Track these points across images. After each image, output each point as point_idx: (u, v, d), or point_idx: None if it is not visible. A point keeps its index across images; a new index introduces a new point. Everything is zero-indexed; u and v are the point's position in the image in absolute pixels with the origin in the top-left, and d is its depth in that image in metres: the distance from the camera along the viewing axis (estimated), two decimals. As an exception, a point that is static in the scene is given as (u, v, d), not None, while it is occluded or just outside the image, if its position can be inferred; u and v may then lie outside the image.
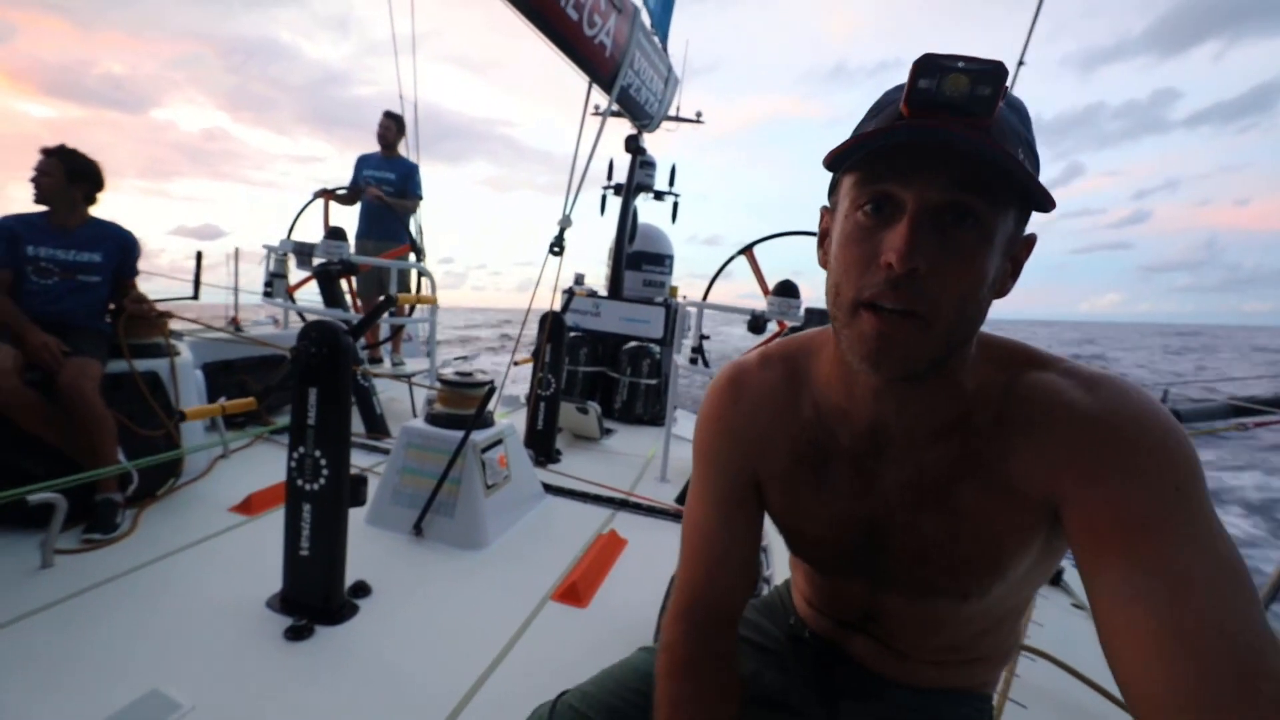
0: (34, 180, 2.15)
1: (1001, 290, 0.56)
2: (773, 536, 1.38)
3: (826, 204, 0.63)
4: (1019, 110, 0.53)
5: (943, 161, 0.49)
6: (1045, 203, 0.51)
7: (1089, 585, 0.53)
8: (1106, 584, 0.50)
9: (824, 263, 0.62)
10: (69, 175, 2.18)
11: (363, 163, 4.32)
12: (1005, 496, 0.59)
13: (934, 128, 0.48)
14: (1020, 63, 2.90)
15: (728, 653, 0.75)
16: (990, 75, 0.47)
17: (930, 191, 0.50)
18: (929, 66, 0.48)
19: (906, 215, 0.51)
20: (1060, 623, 0.53)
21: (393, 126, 4.27)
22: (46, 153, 2.18)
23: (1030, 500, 0.58)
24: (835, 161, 0.55)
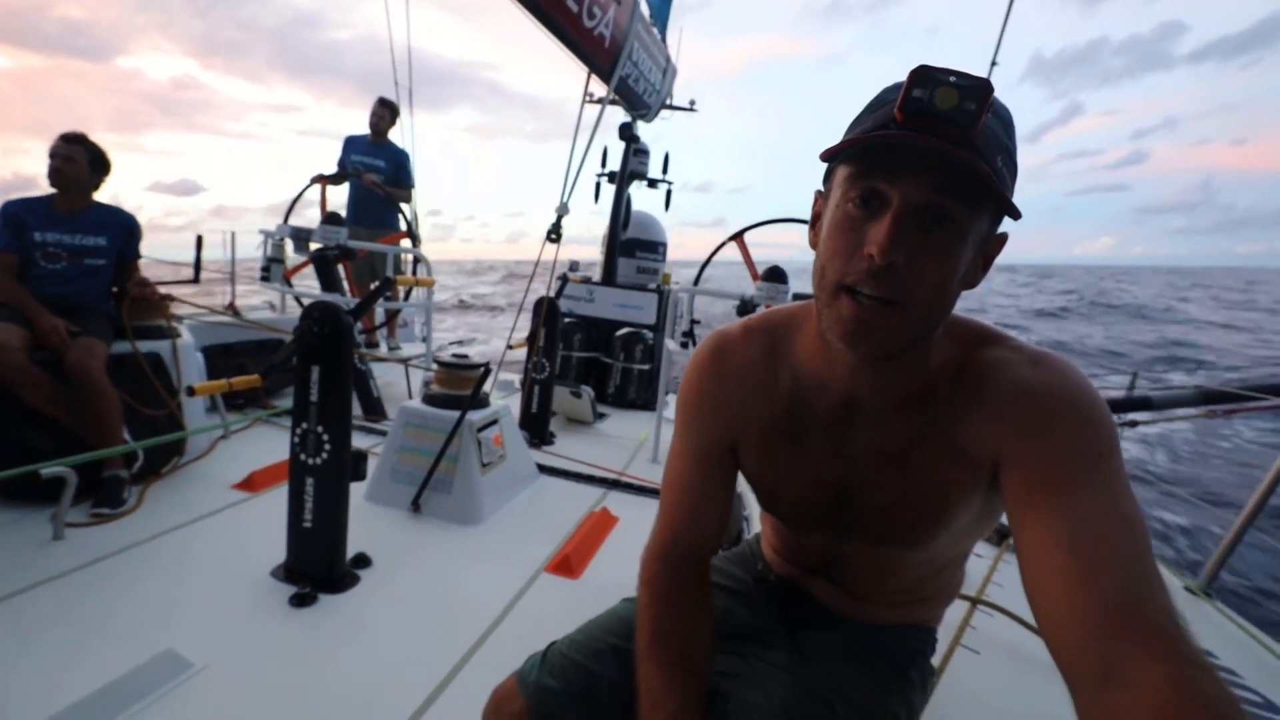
0: (58, 168, 2.19)
1: (971, 282, 0.63)
2: (753, 505, 1.47)
3: (821, 189, 0.69)
4: (1003, 119, 0.59)
5: (927, 166, 0.55)
6: (1011, 211, 0.58)
7: (1016, 529, 0.61)
8: (1031, 528, 0.59)
9: (814, 244, 0.68)
10: (92, 164, 2.24)
11: (350, 145, 4.28)
12: (955, 458, 0.67)
13: (923, 138, 0.54)
14: (993, 63, 2.99)
15: (703, 589, 0.82)
16: (977, 91, 0.53)
17: (914, 192, 0.56)
18: (923, 78, 0.54)
19: (890, 212, 0.56)
20: (1017, 582, 0.60)
21: (386, 115, 4.26)
22: (69, 140, 2.21)
23: (976, 460, 0.66)
24: (831, 156, 0.62)
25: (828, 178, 0.67)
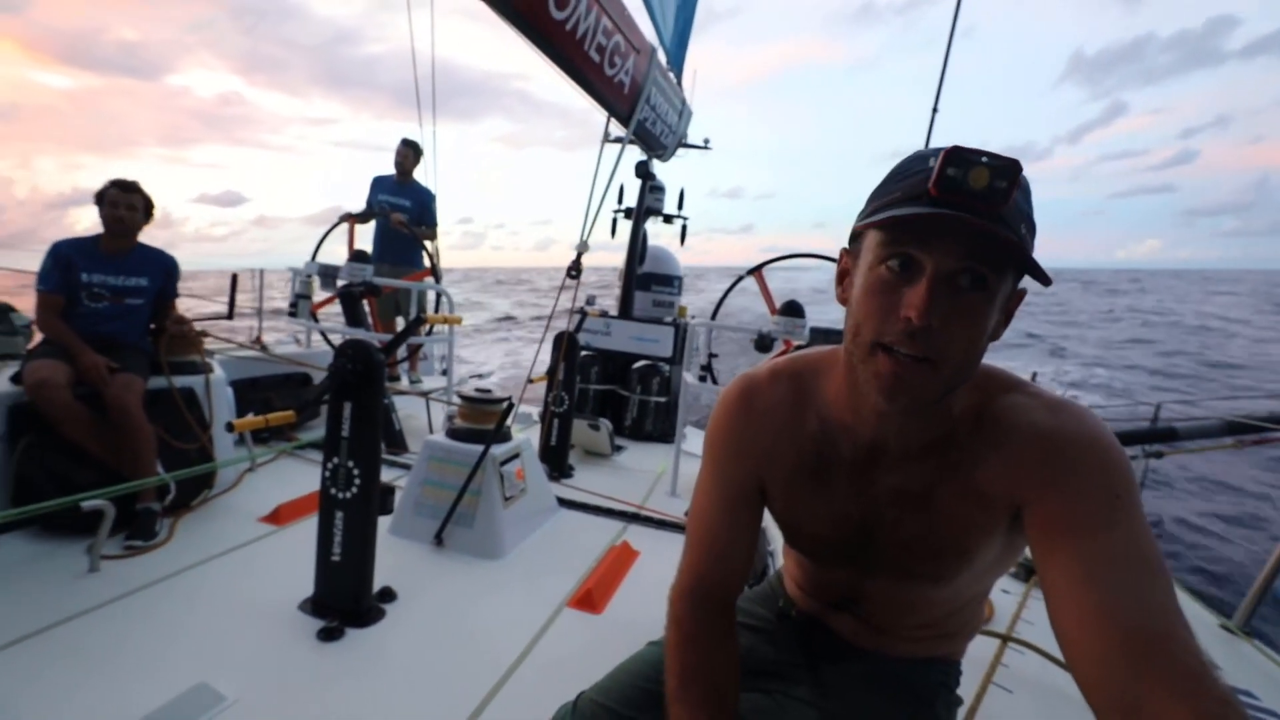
0: (120, 217, 2.30)
1: (995, 336, 0.66)
2: (777, 540, 1.47)
3: (847, 247, 0.73)
4: (1025, 190, 0.62)
5: (961, 236, 0.59)
6: (1043, 279, 0.61)
7: (1040, 570, 0.64)
8: (1054, 568, 0.62)
9: (842, 299, 0.72)
10: (145, 211, 2.38)
11: (378, 185, 4.44)
12: (976, 499, 0.70)
13: (959, 215, 0.58)
14: (934, 109, 3.11)
15: (729, 628, 0.85)
16: (1007, 171, 0.57)
17: (948, 260, 0.60)
18: (957, 159, 0.58)
19: (925, 277, 0.60)
20: (1047, 621, 0.62)
21: (410, 155, 4.41)
22: (126, 188, 2.33)
23: (996, 502, 0.69)
24: (868, 224, 0.66)
25: (856, 239, 0.71)
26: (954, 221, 0.59)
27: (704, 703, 0.75)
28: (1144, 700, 0.51)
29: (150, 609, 1.72)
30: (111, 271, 2.33)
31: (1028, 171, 0.59)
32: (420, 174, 4.56)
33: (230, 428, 1.57)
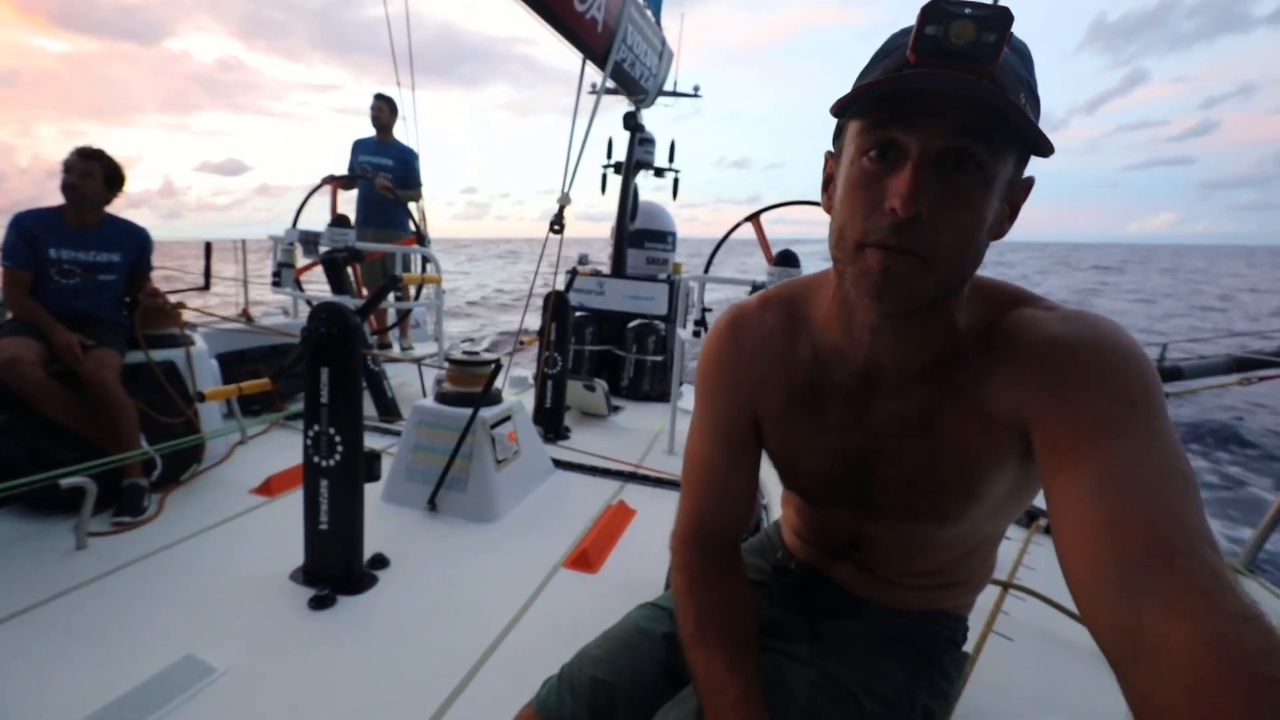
0: (72, 184, 2.16)
1: (999, 232, 0.59)
2: (767, 471, 1.43)
3: (831, 149, 0.65)
4: (1022, 54, 0.54)
5: (946, 108, 0.51)
6: (1043, 147, 0.52)
7: (1048, 495, 0.55)
8: (1059, 489, 0.53)
9: (829, 208, 0.63)
10: (107, 180, 2.23)
11: (358, 148, 4.30)
12: (981, 422, 0.63)
13: (937, 76, 0.49)
14: None
15: (737, 567, 0.80)
16: (996, 21, 0.48)
17: (933, 138, 0.52)
18: (936, 13, 0.49)
19: (910, 161, 0.52)
20: (1051, 565, 0.57)
21: (384, 108, 4.25)
22: (85, 155, 2.19)
23: (1003, 423, 0.62)
24: (842, 109, 0.56)
25: (838, 135, 0.62)
26: (935, 90, 0.50)
27: (723, 643, 0.71)
28: (1144, 624, 0.43)
29: (139, 584, 1.70)
30: (81, 247, 2.24)
31: None
32: (401, 133, 4.40)
33: (201, 397, 1.52)
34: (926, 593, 0.81)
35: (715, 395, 0.79)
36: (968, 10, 0.49)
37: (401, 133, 4.41)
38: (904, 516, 0.72)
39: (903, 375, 0.67)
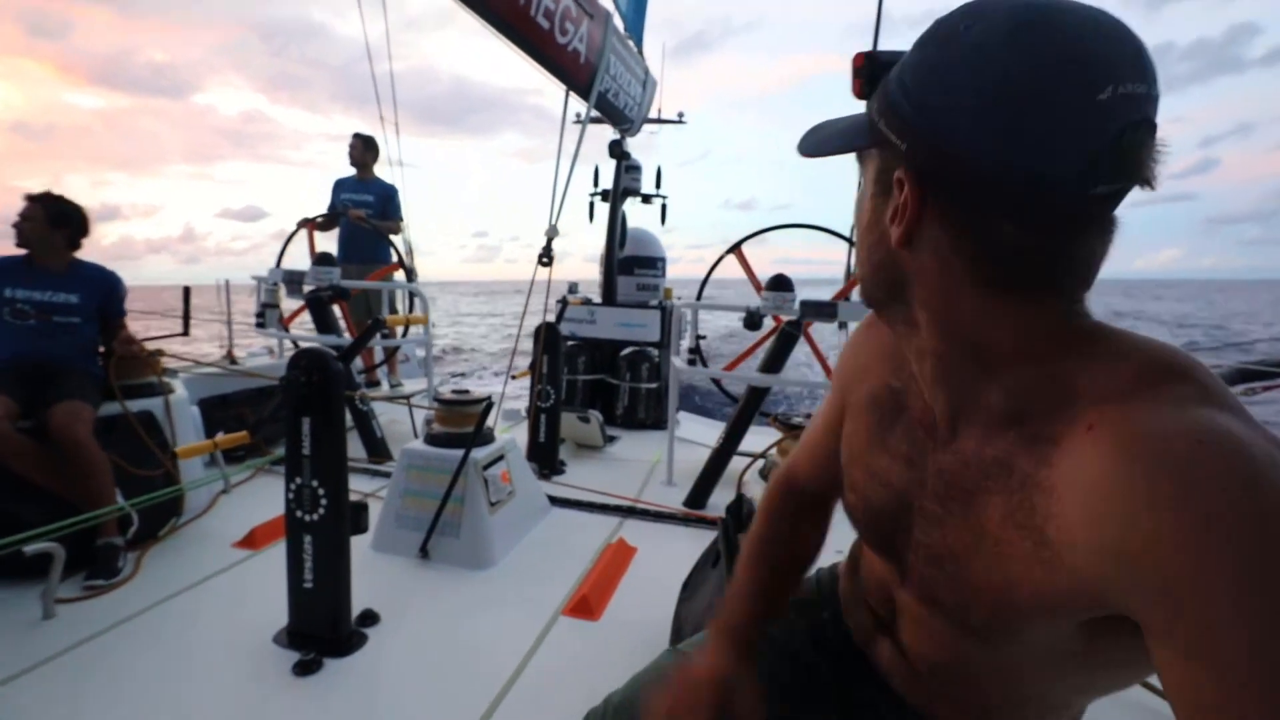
0: (15, 225, 2.15)
1: (889, 237, 0.54)
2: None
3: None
4: (904, 67, 0.52)
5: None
6: (870, 138, 0.54)
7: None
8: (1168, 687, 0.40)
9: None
10: (50, 220, 2.18)
11: (339, 186, 4.35)
12: (1033, 543, 0.48)
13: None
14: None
15: (804, 514, 0.85)
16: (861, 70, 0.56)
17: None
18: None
19: None
20: None
21: (359, 146, 4.29)
22: (30, 199, 2.18)
23: (1066, 573, 0.46)
24: None
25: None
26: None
27: (752, 562, 0.81)
28: None
29: (113, 654, 1.59)
30: (37, 287, 2.18)
31: None
32: (396, 176, 4.43)
33: (175, 456, 1.44)
34: (959, 714, 0.67)
35: (837, 371, 0.81)
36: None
37: (397, 176, 4.45)
38: (928, 599, 0.61)
39: (954, 428, 0.57)
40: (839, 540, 0.89)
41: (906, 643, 0.68)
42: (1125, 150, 0.43)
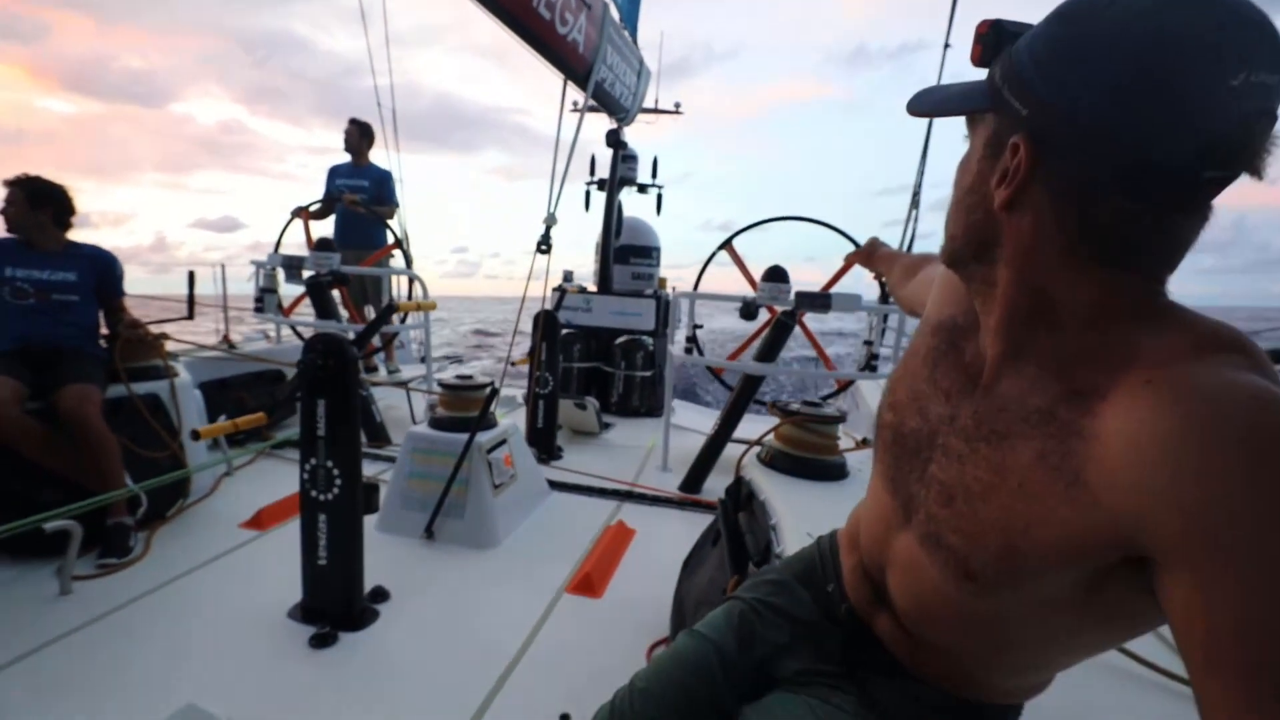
0: (1, 211, 2.18)
1: (991, 198, 0.57)
2: (781, 514, 1.43)
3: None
4: (1034, 38, 0.54)
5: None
6: (987, 101, 0.57)
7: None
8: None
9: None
10: (30, 200, 2.19)
11: (334, 173, 4.34)
12: (1065, 483, 0.49)
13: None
14: (946, 45, 3.02)
15: (905, 278, 1.04)
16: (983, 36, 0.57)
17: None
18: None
19: None
20: None
21: (355, 132, 4.28)
22: (7, 184, 2.20)
23: (1096, 512, 0.47)
24: None
25: None
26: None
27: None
28: None
29: (130, 629, 1.64)
30: (36, 266, 2.20)
31: None
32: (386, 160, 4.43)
33: (196, 436, 1.48)
34: (954, 674, 0.69)
35: (942, 276, 0.78)
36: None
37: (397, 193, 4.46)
38: (931, 540, 0.62)
39: (999, 376, 0.59)
40: (832, 522, 0.94)
41: (896, 597, 0.71)
42: (1245, 138, 0.44)
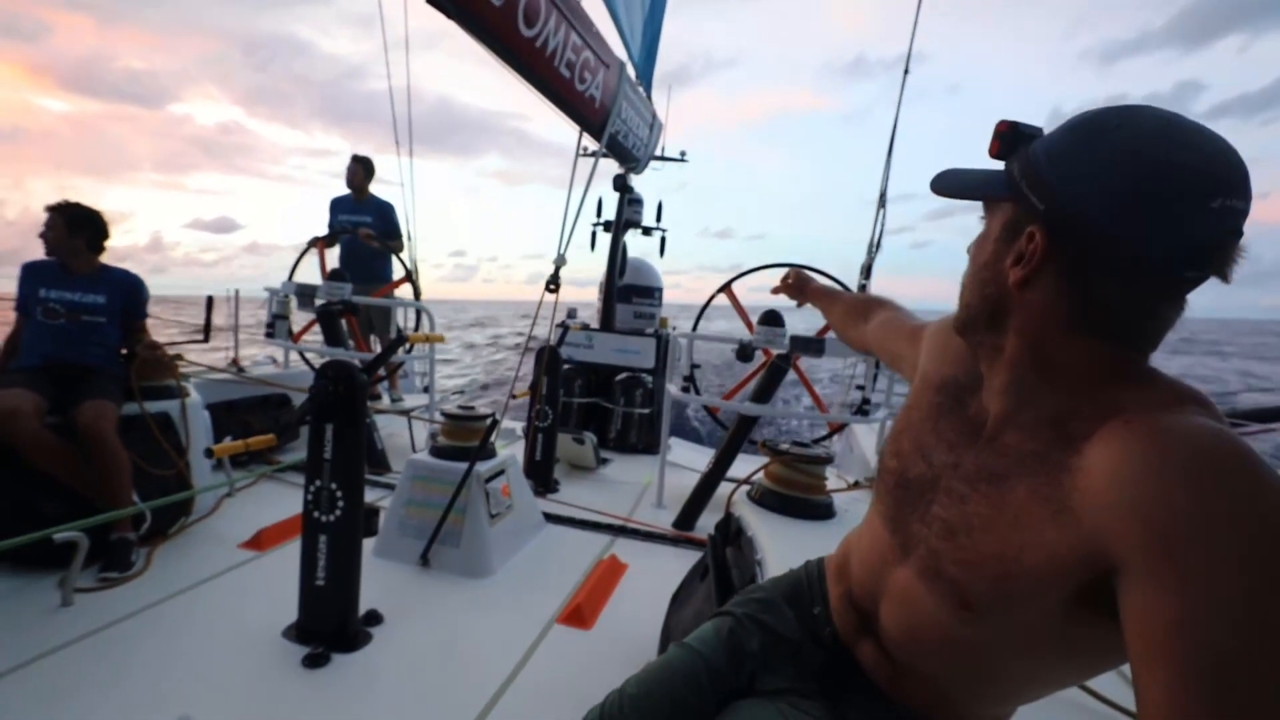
0: (41, 235, 2.30)
1: (1006, 276, 0.66)
2: (767, 550, 1.48)
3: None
4: (1052, 142, 0.63)
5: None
6: (1005, 191, 0.66)
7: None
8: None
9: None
10: (69, 226, 2.31)
11: (336, 206, 4.45)
12: (1055, 513, 0.58)
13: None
14: (906, 71, 3.25)
15: (856, 322, 1.12)
16: (1003, 135, 0.67)
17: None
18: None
19: None
20: None
21: (359, 171, 4.39)
22: (49, 209, 2.32)
23: (1078, 532, 0.55)
24: None
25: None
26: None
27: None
28: None
29: (127, 642, 1.67)
30: (68, 288, 2.32)
31: None
32: (396, 196, 4.58)
33: (210, 453, 1.55)
34: (937, 708, 0.76)
35: (934, 329, 0.88)
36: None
37: (397, 196, 4.60)
38: (930, 572, 0.69)
39: (1001, 429, 0.67)
40: (823, 548, 1.00)
41: (887, 626, 0.76)
42: (1220, 249, 0.55)
